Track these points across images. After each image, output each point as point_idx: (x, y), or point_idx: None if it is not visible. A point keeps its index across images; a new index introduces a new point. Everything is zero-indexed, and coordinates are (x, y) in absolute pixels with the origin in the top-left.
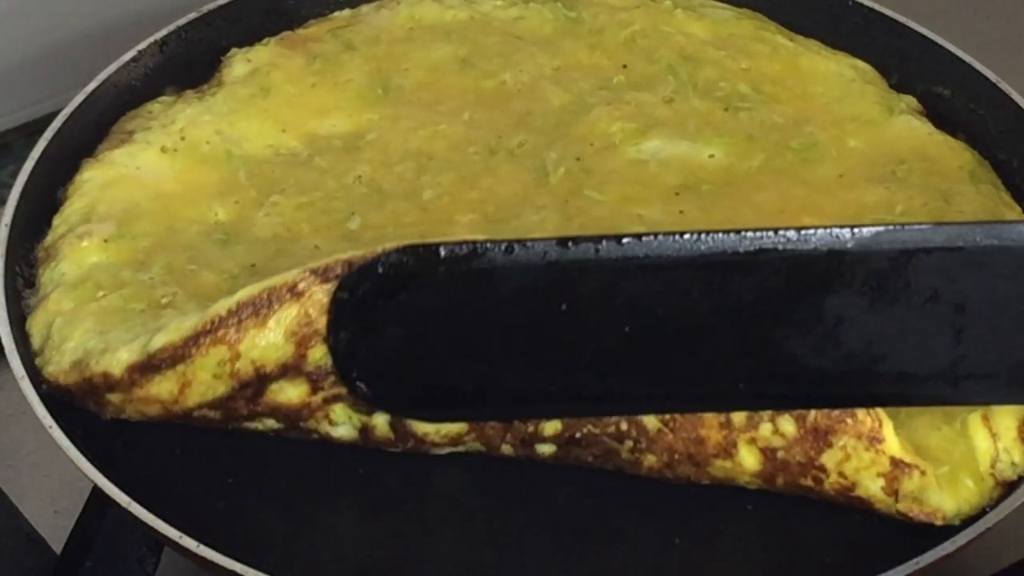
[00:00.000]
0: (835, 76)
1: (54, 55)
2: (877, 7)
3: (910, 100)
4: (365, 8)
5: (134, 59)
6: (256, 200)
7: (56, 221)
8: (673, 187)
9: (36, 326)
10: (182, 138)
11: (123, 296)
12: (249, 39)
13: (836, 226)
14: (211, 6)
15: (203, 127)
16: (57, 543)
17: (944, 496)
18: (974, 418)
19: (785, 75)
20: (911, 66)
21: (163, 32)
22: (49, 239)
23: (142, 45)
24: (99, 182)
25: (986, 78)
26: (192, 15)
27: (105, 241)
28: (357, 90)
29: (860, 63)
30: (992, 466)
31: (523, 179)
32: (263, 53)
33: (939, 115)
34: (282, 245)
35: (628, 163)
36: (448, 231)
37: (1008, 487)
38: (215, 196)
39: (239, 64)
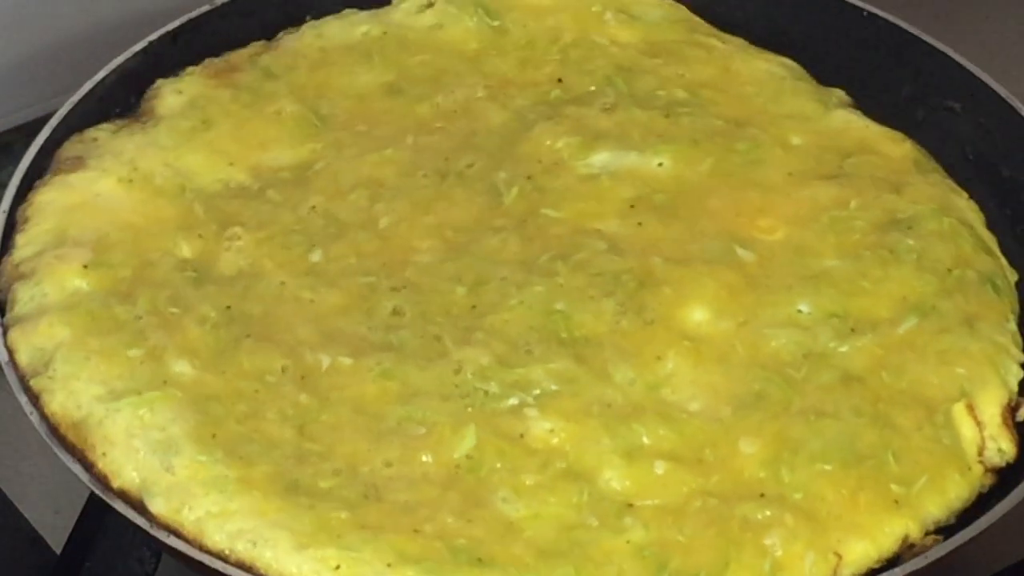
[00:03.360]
0: (766, 75)
1: (54, 55)
2: (892, 18)
3: (840, 94)
4: (280, 34)
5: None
6: (217, 234)
7: (21, 240)
8: (627, 199)
9: (22, 343)
10: (135, 168)
11: (120, 341)
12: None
13: None
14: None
15: (151, 159)
16: (57, 543)
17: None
18: (958, 408)
19: (719, 78)
20: (923, 79)
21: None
22: (17, 256)
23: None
24: (62, 205)
25: (996, 94)
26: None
27: (84, 267)
28: (292, 121)
29: (788, 61)
30: (980, 454)
31: (477, 202)
32: (192, 84)
33: (946, 129)
34: (249, 283)
35: (579, 178)
36: (411, 259)
37: (999, 474)
38: (178, 230)
39: (170, 96)
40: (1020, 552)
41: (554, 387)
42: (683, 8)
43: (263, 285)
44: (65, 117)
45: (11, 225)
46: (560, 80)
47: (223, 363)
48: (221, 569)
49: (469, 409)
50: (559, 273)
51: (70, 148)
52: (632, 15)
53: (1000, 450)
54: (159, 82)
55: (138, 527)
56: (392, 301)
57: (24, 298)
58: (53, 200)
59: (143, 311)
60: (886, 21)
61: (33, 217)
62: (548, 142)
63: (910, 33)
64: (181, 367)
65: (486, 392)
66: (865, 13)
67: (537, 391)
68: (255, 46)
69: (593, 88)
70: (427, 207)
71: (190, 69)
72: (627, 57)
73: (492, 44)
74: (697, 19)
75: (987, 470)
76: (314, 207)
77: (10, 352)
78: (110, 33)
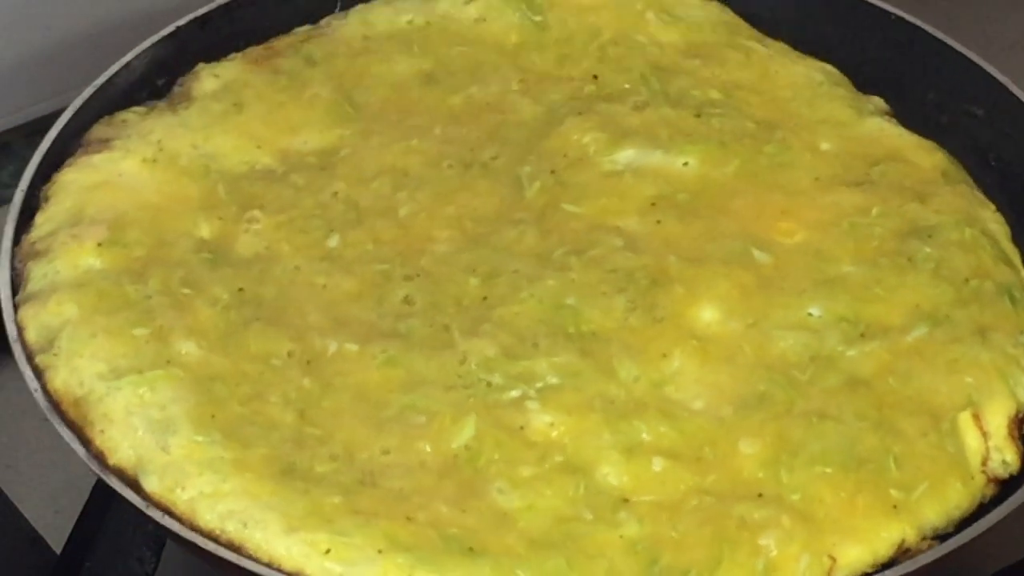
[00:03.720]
0: (804, 80)
1: (54, 55)
2: (920, 24)
3: (878, 101)
4: (325, 20)
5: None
6: (237, 216)
7: (40, 219)
8: (649, 197)
9: (32, 320)
10: (160, 149)
11: (128, 320)
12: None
13: None
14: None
15: (179, 140)
16: (57, 543)
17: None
18: (964, 417)
19: (756, 81)
20: (947, 85)
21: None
22: (35, 235)
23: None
24: (83, 184)
25: (1019, 100)
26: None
27: (99, 245)
28: (324, 106)
29: (828, 67)
30: (983, 464)
31: (499, 194)
32: (230, 69)
33: (970, 136)
34: (264, 266)
35: (602, 175)
36: (428, 248)
37: (1001, 484)
38: (198, 210)
39: (207, 79)
40: (1020, 552)
41: (557, 381)
42: (727, 10)
43: (278, 269)
44: (89, 99)
45: (34, 205)
46: (595, 77)
47: (230, 345)
48: (212, 550)
49: (471, 400)
50: (572, 268)
51: (98, 130)
52: (674, 15)
53: (1004, 461)
54: (199, 66)
55: (137, 527)
56: (404, 289)
57: (37, 276)
58: (75, 180)
59: (154, 291)
60: (911, 24)
61: (54, 196)
62: (575, 137)
63: (934, 37)
64: (187, 347)
65: (489, 383)
66: (893, 17)
67: (540, 384)
68: (300, 32)
69: (627, 86)
70: (449, 197)
71: (233, 55)
72: (665, 57)
73: (532, 39)
74: (740, 21)
75: (989, 480)
76: (336, 193)
77: (19, 329)
78: (111, 34)
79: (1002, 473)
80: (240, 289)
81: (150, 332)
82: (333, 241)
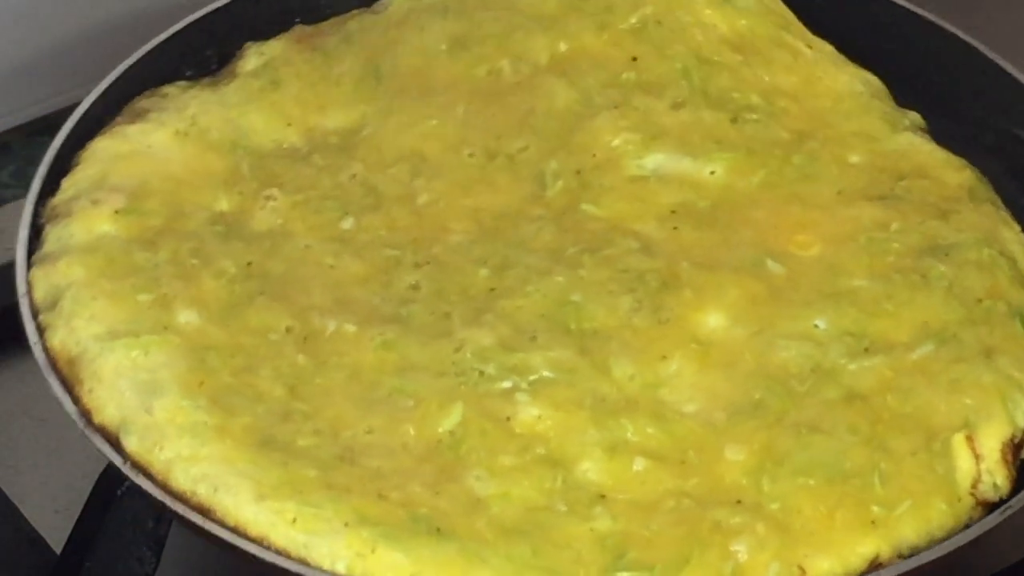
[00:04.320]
0: (846, 89)
1: (54, 55)
2: (972, 41)
3: (915, 117)
4: (381, 3)
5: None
6: (256, 192)
7: (66, 183)
8: (670, 205)
9: (41, 280)
10: (193, 123)
11: (133, 285)
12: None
13: None
14: None
15: (214, 115)
16: (57, 543)
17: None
18: (958, 438)
19: (798, 87)
20: (994, 105)
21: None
22: (58, 199)
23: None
24: (112, 153)
25: None
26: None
27: (116, 212)
28: (352, 82)
29: (871, 77)
30: (974, 487)
31: (520, 190)
32: (275, 47)
33: (1014, 158)
34: (276, 241)
35: (628, 179)
36: (441, 237)
37: (989, 508)
38: (220, 185)
39: (252, 57)
40: (1020, 552)
41: (551, 375)
42: (778, 3)
43: (289, 246)
44: (128, 69)
45: (65, 169)
46: (635, 59)
47: (231, 317)
48: (182, 512)
49: (461, 387)
50: (584, 266)
51: (140, 101)
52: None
53: (995, 485)
54: (248, 44)
55: (137, 527)
56: (412, 276)
57: (52, 238)
58: (105, 148)
59: (163, 259)
60: (962, 40)
61: (83, 163)
62: (607, 136)
63: (983, 54)
64: (187, 316)
65: (481, 372)
66: (946, 32)
67: (533, 377)
68: (352, 13)
69: (667, 77)
70: (468, 188)
71: (282, 35)
72: (709, 45)
73: (571, 6)
74: (791, 16)
75: (978, 503)
76: (354, 175)
77: (28, 287)
78: (111, 34)
79: (992, 496)
80: (248, 263)
81: (153, 299)
82: (347, 224)
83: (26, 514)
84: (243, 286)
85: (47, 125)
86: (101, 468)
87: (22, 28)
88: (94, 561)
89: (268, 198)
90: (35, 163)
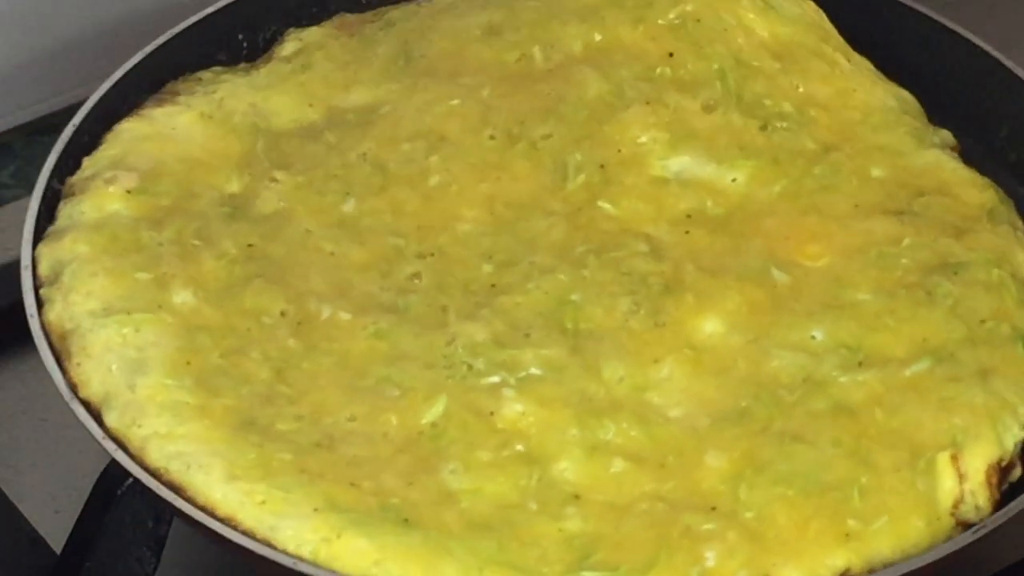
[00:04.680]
0: (879, 104)
1: (54, 55)
2: (1004, 60)
3: (946, 135)
4: None
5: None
6: (265, 173)
7: (86, 162)
8: (686, 209)
9: (46, 256)
10: (219, 107)
11: (134, 264)
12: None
13: None
14: None
15: (240, 99)
16: (57, 543)
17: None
18: (942, 457)
19: (832, 98)
20: (1017, 124)
21: None
22: (76, 177)
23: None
24: (135, 134)
25: None
26: None
27: (128, 192)
28: (382, 63)
29: (906, 94)
30: (955, 507)
31: (539, 179)
32: (315, 33)
33: None
34: (278, 224)
35: (650, 180)
36: (450, 226)
37: (967, 528)
38: (234, 167)
39: (291, 43)
40: (1020, 552)
41: (540, 372)
42: (822, 15)
43: (290, 229)
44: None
45: (88, 148)
46: (671, 55)
47: (226, 298)
48: (154, 488)
49: (449, 380)
50: (588, 266)
51: (174, 85)
52: (769, 3)
53: (977, 507)
54: (290, 30)
55: (137, 527)
56: (414, 267)
57: (64, 215)
58: (130, 129)
59: (167, 239)
60: (996, 60)
61: (106, 143)
62: (635, 132)
63: (1015, 74)
64: (183, 296)
65: (470, 366)
66: (978, 49)
67: (522, 374)
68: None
69: (703, 76)
70: (484, 173)
71: (326, 22)
72: (749, 49)
73: (612, 1)
74: (832, 29)
75: (958, 523)
76: (364, 153)
77: (34, 261)
78: (111, 34)
79: (973, 518)
80: (250, 245)
81: (152, 277)
82: (349, 206)
83: (26, 514)
84: (243, 268)
85: (47, 125)
86: (101, 468)
87: (22, 28)
88: (94, 561)
89: (273, 180)
90: (35, 163)
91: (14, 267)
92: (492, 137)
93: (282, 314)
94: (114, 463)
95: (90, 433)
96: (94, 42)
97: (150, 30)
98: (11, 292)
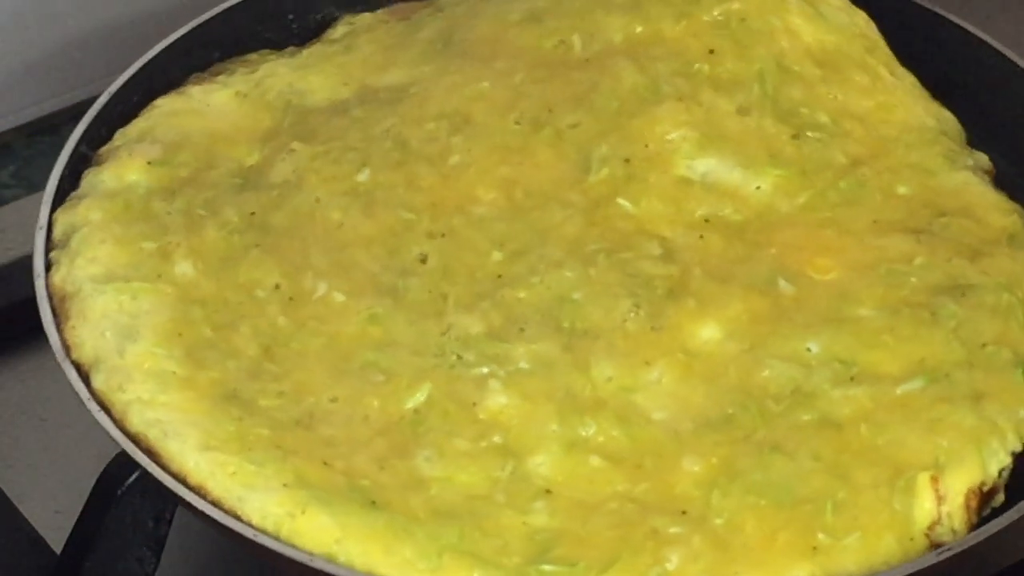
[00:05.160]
0: (916, 122)
1: (54, 55)
2: None
3: (981, 158)
4: None
5: None
6: (284, 145)
7: (118, 134)
8: (705, 214)
9: (61, 220)
10: (257, 85)
11: (142, 232)
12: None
13: None
14: None
15: (279, 78)
16: (57, 543)
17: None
18: (923, 477)
19: (870, 111)
20: None
21: None
22: (106, 147)
23: None
24: (167, 110)
25: None
26: None
27: (149, 163)
28: (422, 46)
29: (946, 113)
30: (931, 528)
31: (561, 169)
32: (366, 19)
33: None
34: (286, 192)
35: (674, 180)
36: (465, 207)
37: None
38: (257, 141)
39: (341, 26)
40: (1020, 552)
41: (528, 366)
42: (872, 26)
43: (299, 198)
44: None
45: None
46: (712, 52)
47: (223, 270)
48: (131, 452)
49: (436, 369)
50: (597, 264)
51: (219, 66)
52: (818, 10)
53: (953, 529)
54: (344, 15)
55: (137, 527)
56: (423, 247)
57: (85, 183)
58: (165, 104)
59: (177, 209)
60: None
61: (141, 116)
62: (665, 127)
63: None
64: (184, 267)
65: (460, 356)
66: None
67: (511, 367)
68: None
69: (741, 77)
70: (506, 157)
71: (380, 9)
72: (793, 54)
73: None
74: (880, 41)
75: (932, 545)
76: (387, 129)
77: (49, 224)
78: (111, 34)
79: (948, 541)
80: (252, 213)
81: (157, 247)
82: (363, 176)
83: (26, 514)
84: (242, 238)
85: (47, 125)
86: (101, 468)
87: (22, 28)
88: (94, 561)
89: (290, 151)
90: (35, 163)
91: (14, 267)
92: (518, 122)
93: (276, 287)
94: (115, 462)
95: (76, 393)
96: (95, 43)
97: (151, 31)
98: (11, 292)
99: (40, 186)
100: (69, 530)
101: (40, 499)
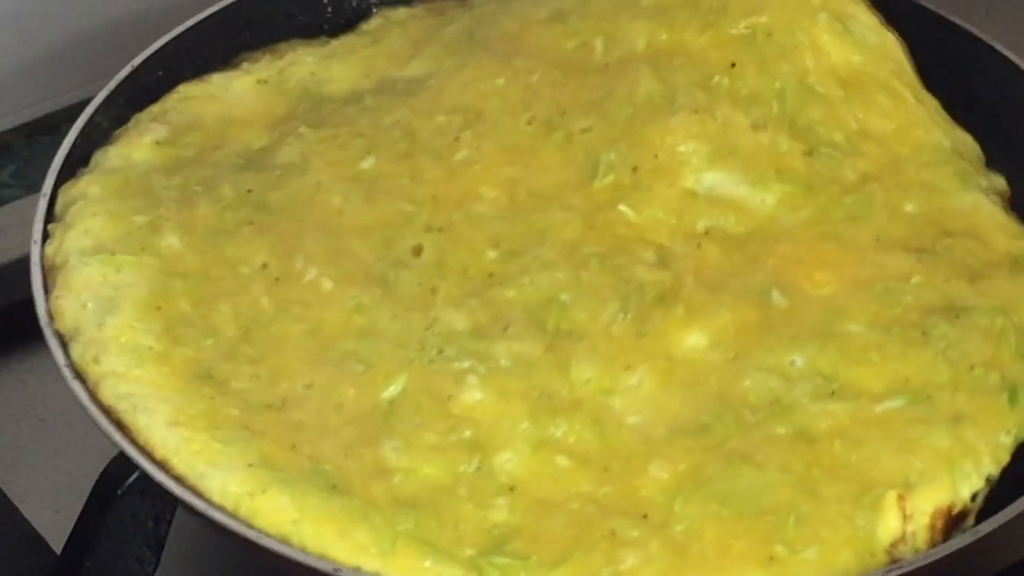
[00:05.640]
0: (933, 143)
1: (54, 55)
2: None
3: (997, 180)
4: None
5: None
6: (294, 130)
7: (135, 117)
8: (707, 225)
9: (63, 193)
10: (279, 73)
11: (135, 207)
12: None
13: None
14: None
15: (302, 67)
16: (57, 543)
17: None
18: (890, 495)
19: (889, 133)
20: None
21: None
22: (122, 128)
23: None
24: (190, 94)
25: None
26: None
27: (156, 143)
28: (447, 41)
29: (966, 137)
30: (894, 545)
31: (567, 173)
32: (401, 13)
33: None
34: (288, 173)
35: (680, 192)
36: (466, 203)
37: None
38: (268, 126)
39: (376, 19)
40: (1020, 552)
41: (507, 364)
42: (899, 47)
43: (301, 180)
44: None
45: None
46: (733, 66)
47: (211, 245)
48: (102, 425)
49: (415, 362)
50: (588, 268)
51: (248, 54)
52: (848, 28)
53: (916, 549)
54: (381, 9)
55: (137, 527)
56: (419, 239)
57: (93, 160)
58: (187, 89)
59: (173, 184)
60: None
61: (161, 100)
62: (676, 139)
63: None
64: (171, 240)
65: (440, 351)
66: None
67: (491, 364)
68: None
69: (760, 92)
70: (513, 157)
71: (418, 3)
72: (815, 72)
73: (686, 2)
74: (906, 62)
75: (893, 562)
76: (398, 120)
77: (51, 197)
78: (111, 34)
79: (909, 558)
80: (248, 191)
81: (148, 220)
82: (368, 163)
83: (26, 514)
84: (235, 213)
85: (47, 125)
86: (101, 468)
87: (22, 28)
88: (94, 561)
89: (299, 135)
90: (35, 163)
91: (14, 267)
92: (530, 122)
93: (264, 266)
94: (114, 462)
95: (54, 361)
96: (95, 43)
97: (151, 31)
98: (11, 292)
99: (40, 187)
100: (69, 530)
101: (40, 499)
